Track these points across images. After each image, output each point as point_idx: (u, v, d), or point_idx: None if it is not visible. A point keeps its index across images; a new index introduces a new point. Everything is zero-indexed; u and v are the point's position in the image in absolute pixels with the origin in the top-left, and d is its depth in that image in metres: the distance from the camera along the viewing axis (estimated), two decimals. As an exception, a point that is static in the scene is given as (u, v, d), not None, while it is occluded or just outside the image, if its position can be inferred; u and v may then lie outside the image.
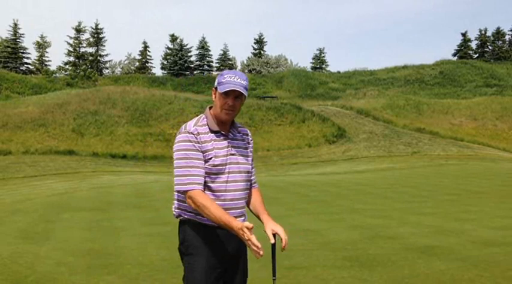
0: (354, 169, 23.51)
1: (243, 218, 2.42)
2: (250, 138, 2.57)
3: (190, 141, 2.31)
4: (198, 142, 2.31)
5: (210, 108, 2.47)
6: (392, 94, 56.87)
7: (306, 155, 34.78)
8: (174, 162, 2.35)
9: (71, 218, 8.69)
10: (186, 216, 2.37)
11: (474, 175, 17.32)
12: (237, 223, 2.20)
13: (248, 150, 2.51)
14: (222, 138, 2.39)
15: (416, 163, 25.68)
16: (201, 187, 2.28)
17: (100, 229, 7.45)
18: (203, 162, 2.31)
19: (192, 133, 2.33)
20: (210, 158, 2.31)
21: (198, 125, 2.38)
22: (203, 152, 2.32)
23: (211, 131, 2.37)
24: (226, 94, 2.32)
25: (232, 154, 2.39)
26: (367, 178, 17.06)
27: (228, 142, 2.40)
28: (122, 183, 16.22)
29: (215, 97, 2.40)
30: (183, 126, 2.40)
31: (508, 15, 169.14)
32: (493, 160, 28.32)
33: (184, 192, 2.28)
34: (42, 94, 48.29)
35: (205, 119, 2.42)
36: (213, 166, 2.31)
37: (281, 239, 2.39)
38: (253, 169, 2.57)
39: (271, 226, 2.41)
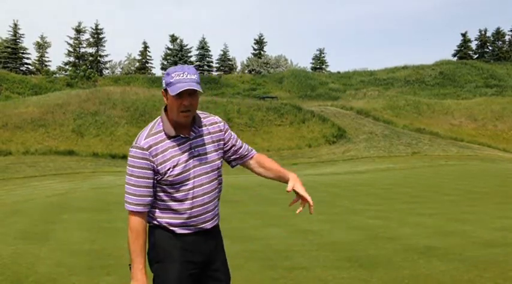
0: (354, 170, 23.52)
1: (215, 220, 2.31)
2: (221, 124, 2.35)
3: (137, 157, 2.13)
4: (149, 158, 2.12)
5: (166, 108, 2.23)
6: (392, 94, 56.92)
7: (306, 155, 34.80)
8: None
9: (71, 218, 8.68)
10: (155, 222, 2.22)
11: (474, 175, 17.32)
12: (137, 273, 2.12)
13: (216, 143, 2.30)
14: (182, 141, 2.18)
15: (416, 163, 25.69)
16: (139, 208, 2.14)
17: (100, 230, 7.44)
18: (150, 181, 2.14)
19: (141, 149, 2.13)
20: (168, 169, 2.13)
21: (152, 134, 2.16)
22: (158, 165, 2.13)
23: (169, 137, 2.16)
24: (180, 95, 2.09)
25: (197, 156, 2.21)
26: (367, 179, 17.06)
27: (190, 144, 2.20)
28: (122, 184, 16.13)
29: (167, 100, 2.16)
30: (137, 137, 2.19)
31: (508, 15, 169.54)
32: (493, 161, 28.33)
33: (128, 211, 2.18)
34: (42, 95, 48.34)
35: (160, 124, 2.19)
36: (174, 177, 2.14)
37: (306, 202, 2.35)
38: (242, 147, 2.45)
39: (297, 188, 2.37)
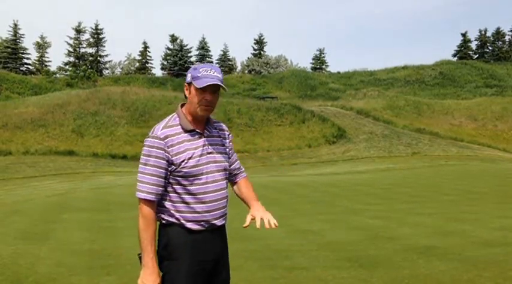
0: (354, 170, 23.52)
1: (224, 218, 2.35)
2: (228, 132, 2.47)
3: (153, 147, 2.18)
4: (165, 148, 2.18)
5: (182, 105, 2.34)
6: (392, 94, 56.89)
7: (306, 156, 34.79)
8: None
9: (71, 218, 8.69)
10: (168, 219, 2.25)
11: (474, 175, 17.33)
12: (148, 261, 2.16)
13: (225, 147, 2.40)
14: (197, 136, 2.27)
15: (416, 163, 25.69)
16: (151, 196, 2.18)
17: (100, 230, 7.45)
18: (163, 171, 2.19)
19: (158, 138, 2.19)
20: (183, 161, 2.19)
21: (168, 126, 2.25)
22: (173, 156, 2.18)
23: (185, 131, 2.25)
24: (204, 89, 2.20)
25: (210, 153, 2.28)
26: (367, 179, 17.06)
27: (204, 141, 2.28)
28: (122, 184, 16.22)
29: (189, 93, 2.26)
30: (152, 129, 2.26)
31: (508, 15, 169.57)
32: (493, 161, 28.34)
33: (139, 199, 2.21)
34: (42, 95, 48.30)
35: (177, 118, 2.29)
36: (188, 168, 2.20)
37: (263, 220, 2.34)
38: (236, 161, 2.52)
39: (254, 212, 2.37)
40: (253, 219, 2.37)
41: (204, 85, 2.19)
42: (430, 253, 5.41)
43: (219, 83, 2.21)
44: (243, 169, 2.60)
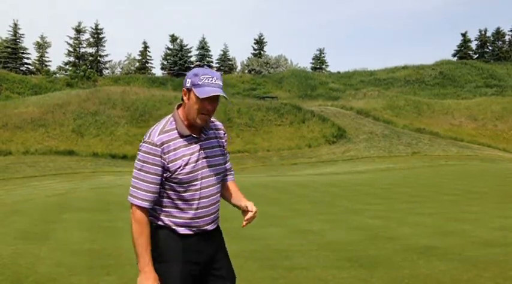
0: (353, 170, 23.52)
1: (216, 222, 2.33)
2: (223, 132, 2.40)
3: (149, 153, 2.13)
4: (161, 155, 2.13)
5: (178, 107, 2.26)
6: (392, 94, 56.89)
7: (306, 155, 34.80)
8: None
9: (71, 218, 8.69)
10: (159, 222, 2.22)
11: (474, 175, 17.33)
12: (144, 266, 2.13)
13: (221, 148, 2.35)
14: (193, 141, 2.21)
15: (416, 163, 25.70)
16: (146, 203, 2.15)
17: (100, 230, 7.45)
18: (159, 178, 2.14)
19: (154, 145, 2.13)
20: (178, 167, 2.14)
21: (165, 131, 2.18)
22: (169, 162, 2.13)
23: (182, 136, 2.19)
24: (205, 98, 2.13)
25: (205, 157, 2.23)
26: (367, 179, 17.06)
27: (200, 145, 2.23)
28: (122, 184, 16.21)
29: (188, 99, 2.17)
30: (148, 133, 2.20)
31: (508, 15, 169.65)
32: (493, 161, 28.35)
33: (131, 204, 2.18)
34: (42, 95, 48.31)
35: (173, 122, 2.21)
36: (184, 175, 2.15)
37: (248, 212, 2.34)
38: (228, 162, 2.47)
39: (246, 203, 2.38)
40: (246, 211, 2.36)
41: (206, 96, 2.11)
42: (430, 253, 5.41)
43: (222, 94, 2.13)
44: (233, 171, 2.55)
